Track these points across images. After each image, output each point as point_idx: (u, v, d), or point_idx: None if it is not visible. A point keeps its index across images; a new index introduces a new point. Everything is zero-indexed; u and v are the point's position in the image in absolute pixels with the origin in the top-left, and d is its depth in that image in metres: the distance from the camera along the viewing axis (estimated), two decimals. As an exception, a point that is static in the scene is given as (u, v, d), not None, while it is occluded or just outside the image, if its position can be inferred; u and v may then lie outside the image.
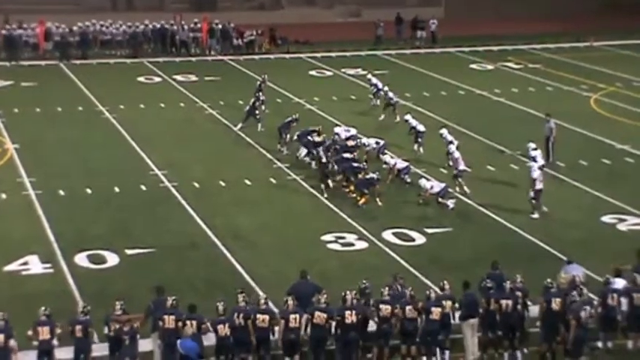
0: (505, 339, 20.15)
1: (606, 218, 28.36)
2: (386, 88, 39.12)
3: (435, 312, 19.62)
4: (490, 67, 51.19)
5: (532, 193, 28.42)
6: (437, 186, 29.43)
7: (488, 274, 20.99)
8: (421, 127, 34.12)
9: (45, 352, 18.36)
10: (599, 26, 60.52)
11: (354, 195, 29.22)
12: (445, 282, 20.43)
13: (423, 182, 29.63)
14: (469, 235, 27.11)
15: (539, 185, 28.43)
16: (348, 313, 19.32)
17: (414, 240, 26.66)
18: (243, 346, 19.10)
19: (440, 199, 29.10)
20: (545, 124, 33.40)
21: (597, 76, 47.89)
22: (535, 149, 31.06)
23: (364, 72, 47.15)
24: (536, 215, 28.32)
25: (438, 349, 19.94)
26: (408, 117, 35.06)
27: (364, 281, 20.47)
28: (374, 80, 40.67)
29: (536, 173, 28.49)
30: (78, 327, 18.55)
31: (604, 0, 67.52)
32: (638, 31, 57.69)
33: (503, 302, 19.94)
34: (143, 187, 30.23)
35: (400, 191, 30.41)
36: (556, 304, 19.84)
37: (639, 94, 44.05)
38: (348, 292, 19.65)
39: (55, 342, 18.43)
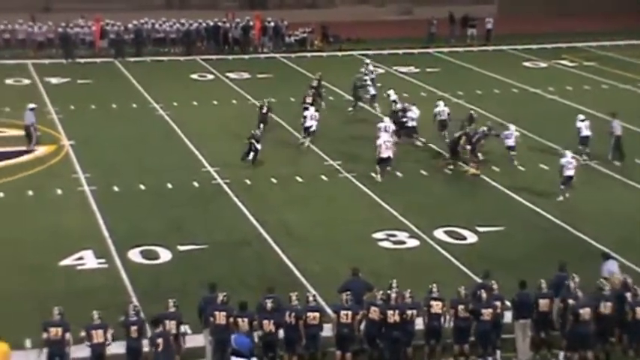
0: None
1: (662, 218, 28.08)
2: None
3: (486, 313, 19.53)
4: (544, 64, 50.79)
5: (561, 179, 29.14)
6: (385, 152, 30.74)
7: (556, 276, 20.75)
8: (399, 105, 35.33)
9: (98, 355, 18.47)
10: (655, 23, 59.86)
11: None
12: (493, 282, 20.31)
13: (382, 126, 31.84)
14: (521, 233, 26.95)
15: (567, 172, 29.01)
16: (390, 312, 19.33)
17: (465, 238, 26.56)
18: (293, 344, 19.22)
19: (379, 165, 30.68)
20: (611, 123, 33.20)
21: (653, 74, 47.38)
22: (582, 120, 33.13)
23: (417, 70, 47.21)
24: (560, 198, 29.07)
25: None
26: (390, 92, 36.86)
27: (394, 280, 20.31)
28: (371, 67, 41.68)
29: (564, 159, 29.16)
30: (133, 328, 18.65)
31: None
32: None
33: (571, 301, 19.75)
34: (195, 184, 30.44)
35: (452, 189, 30.36)
36: (605, 308, 19.62)
37: (696, 93, 43.53)
38: (393, 291, 19.65)
39: (108, 342, 18.53)
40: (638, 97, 43.04)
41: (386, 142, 31.20)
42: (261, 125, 35.63)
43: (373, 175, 30.77)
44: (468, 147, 31.85)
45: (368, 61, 42.88)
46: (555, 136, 35.46)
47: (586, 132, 33.04)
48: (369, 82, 39.51)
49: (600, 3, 64.96)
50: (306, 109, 35.49)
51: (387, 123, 32.60)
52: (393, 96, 36.45)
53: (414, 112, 34.65)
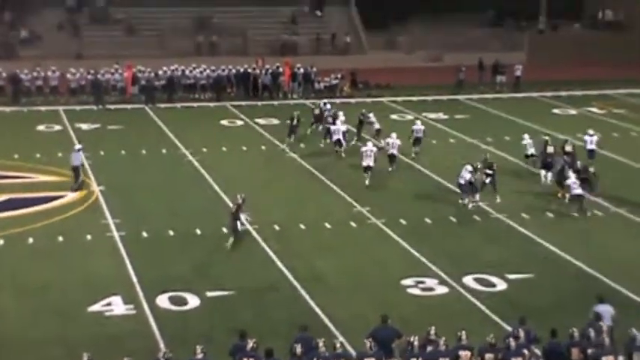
0: None
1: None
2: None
3: (516, 362, 19.39)
4: (573, 112, 50.72)
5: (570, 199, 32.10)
6: (364, 160, 34.41)
7: (588, 324, 20.64)
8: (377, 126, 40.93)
9: None
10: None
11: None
12: (520, 330, 20.17)
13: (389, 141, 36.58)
14: (551, 281, 26.73)
15: (574, 191, 31.95)
16: None
17: (494, 285, 26.39)
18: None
19: None
20: None
21: (684, 121, 47.15)
22: (591, 135, 37.14)
23: (445, 116, 47.30)
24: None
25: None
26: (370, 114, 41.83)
27: (432, 328, 20.24)
28: (328, 106, 44.50)
29: (569, 181, 32.26)
30: None
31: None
32: None
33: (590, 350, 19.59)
34: (224, 230, 30.43)
35: (481, 235, 30.25)
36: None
37: None
38: (416, 339, 19.50)
39: None
40: (669, 144, 42.83)
41: (366, 151, 35.04)
42: (292, 136, 40.53)
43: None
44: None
45: (325, 100, 46.48)
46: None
47: (591, 146, 36.50)
48: (372, 119, 41.94)
49: (629, 51, 64.85)
50: (331, 124, 39.90)
51: (393, 140, 36.90)
52: (372, 118, 41.60)
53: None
